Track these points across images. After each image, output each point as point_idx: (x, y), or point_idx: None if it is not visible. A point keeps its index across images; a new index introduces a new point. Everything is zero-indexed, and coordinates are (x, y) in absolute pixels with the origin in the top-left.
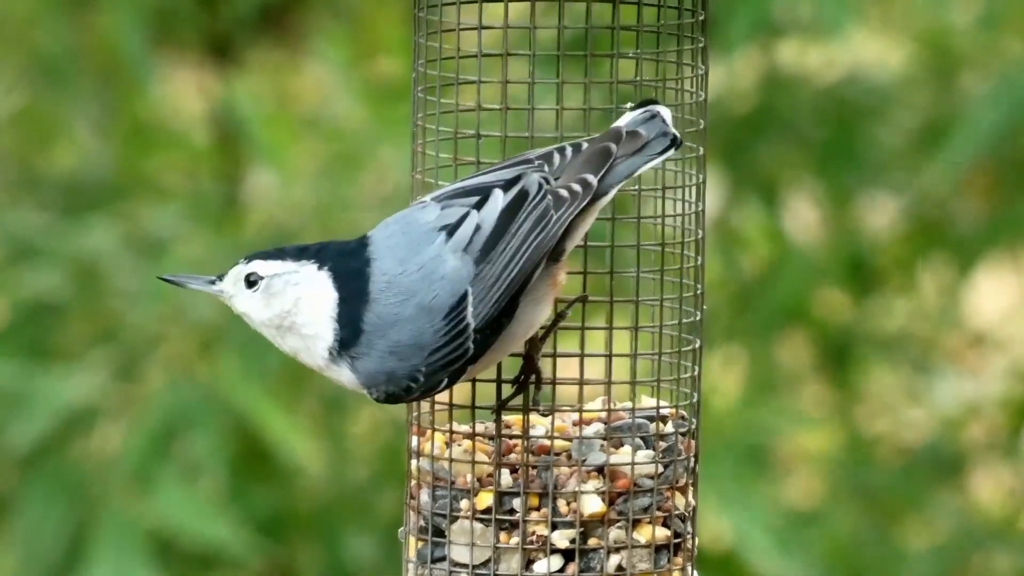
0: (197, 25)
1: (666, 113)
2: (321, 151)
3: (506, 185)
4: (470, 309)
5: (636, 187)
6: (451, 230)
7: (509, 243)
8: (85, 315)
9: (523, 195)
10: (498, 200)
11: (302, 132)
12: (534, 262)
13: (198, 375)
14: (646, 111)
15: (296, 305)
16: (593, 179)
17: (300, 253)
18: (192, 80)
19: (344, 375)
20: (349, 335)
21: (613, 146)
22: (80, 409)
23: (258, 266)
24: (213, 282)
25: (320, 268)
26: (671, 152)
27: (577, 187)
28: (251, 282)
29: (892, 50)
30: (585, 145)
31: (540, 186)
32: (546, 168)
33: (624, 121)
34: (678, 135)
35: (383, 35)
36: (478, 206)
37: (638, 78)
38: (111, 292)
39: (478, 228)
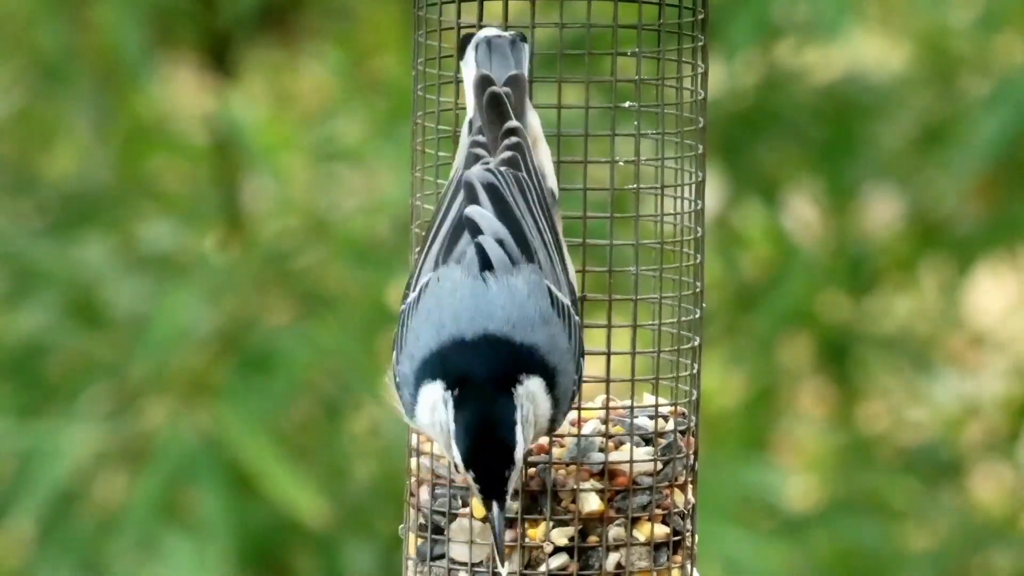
0: (196, 26)
1: (487, 32)
2: (319, 151)
3: (469, 199)
4: (558, 294)
5: (634, 185)
6: (485, 264)
7: (529, 225)
8: (82, 347)
9: (493, 188)
10: (483, 213)
11: (300, 133)
12: (553, 219)
13: (198, 418)
14: (476, 46)
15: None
16: (513, 122)
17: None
18: (191, 81)
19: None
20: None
21: (496, 89)
22: (83, 463)
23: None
24: None
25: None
26: (526, 44)
27: (512, 139)
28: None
29: (892, 50)
30: (478, 120)
31: (492, 170)
32: (479, 164)
33: (472, 67)
34: (516, 33)
35: (382, 35)
36: (475, 233)
37: (638, 76)
38: (109, 321)
39: (501, 242)
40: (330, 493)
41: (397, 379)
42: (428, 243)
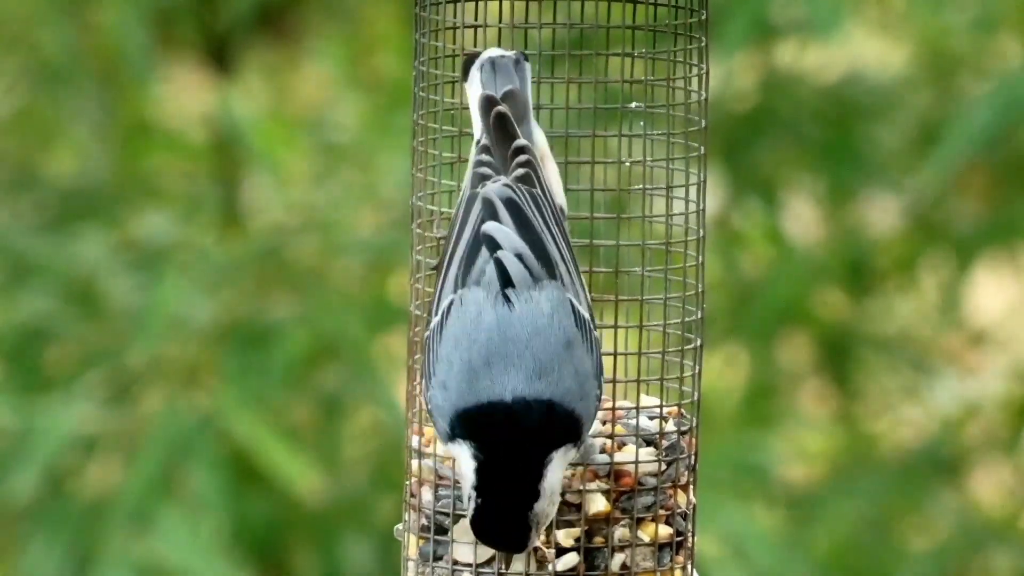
0: (195, 26)
1: (491, 53)
2: (320, 151)
3: (488, 215)
4: (580, 308)
5: (640, 186)
6: (506, 283)
7: (547, 240)
8: (80, 335)
9: (512, 203)
10: (501, 228)
11: (300, 132)
12: (566, 235)
13: (195, 399)
14: (480, 67)
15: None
16: (522, 140)
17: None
18: (191, 81)
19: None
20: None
21: (503, 108)
22: (78, 442)
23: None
24: None
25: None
26: (528, 64)
27: (523, 157)
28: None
29: (891, 50)
30: (485, 139)
31: (510, 186)
32: (490, 180)
33: (477, 87)
34: (519, 52)
35: (381, 34)
36: (493, 248)
37: (645, 77)
38: (106, 311)
39: (520, 256)
40: (328, 482)
41: (430, 406)
42: (445, 265)
